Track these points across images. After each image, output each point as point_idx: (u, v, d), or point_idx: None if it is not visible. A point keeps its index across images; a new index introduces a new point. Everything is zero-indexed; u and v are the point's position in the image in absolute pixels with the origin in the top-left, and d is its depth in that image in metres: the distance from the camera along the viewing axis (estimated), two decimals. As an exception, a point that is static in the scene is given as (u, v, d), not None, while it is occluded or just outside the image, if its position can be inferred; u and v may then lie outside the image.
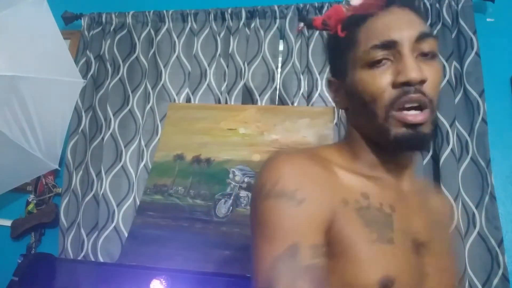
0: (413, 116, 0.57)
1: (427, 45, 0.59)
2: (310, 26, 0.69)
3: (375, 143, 0.63)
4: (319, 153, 0.63)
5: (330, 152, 0.65)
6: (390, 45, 0.58)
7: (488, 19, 1.69)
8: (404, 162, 0.64)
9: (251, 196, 0.59)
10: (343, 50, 0.63)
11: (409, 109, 0.57)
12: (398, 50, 0.58)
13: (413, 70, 0.56)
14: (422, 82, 0.57)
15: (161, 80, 1.83)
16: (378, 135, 0.61)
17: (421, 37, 0.58)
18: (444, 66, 1.54)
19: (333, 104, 1.65)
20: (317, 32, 1.71)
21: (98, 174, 1.74)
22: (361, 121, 0.63)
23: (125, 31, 1.92)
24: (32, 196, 1.85)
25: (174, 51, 1.86)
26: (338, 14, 0.64)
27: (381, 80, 0.58)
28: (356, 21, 0.61)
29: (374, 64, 0.59)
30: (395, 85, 0.57)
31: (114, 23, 1.93)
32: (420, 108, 0.57)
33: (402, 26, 0.58)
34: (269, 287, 0.49)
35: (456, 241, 1.36)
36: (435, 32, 1.60)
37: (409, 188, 0.65)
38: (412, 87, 0.56)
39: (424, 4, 1.64)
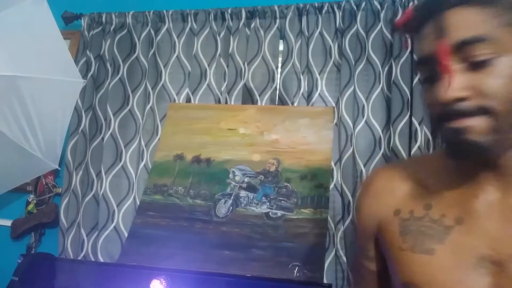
0: (457, 122, 0.53)
1: (474, 51, 0.51)
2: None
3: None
4: (409, 165, 0.69)
5: (421, 163, 0.67)
6: (428, 62, 0.54)
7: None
8: (503, 169, 0.57)
9: None
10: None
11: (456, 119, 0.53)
12: (435, 67, 0.53)
13: (440, 91, 0.52)
14: (460, 99, 0.52)
15: (161, 80, 1.83)
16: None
17: (460, 46, 0.51)
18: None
19: (333, 104, 1.65)
20: (317, 32, 1.72)
21: (98, 174, 1.74)
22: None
23: (125, 31, 1.92)
24: (32, 196, 1.86)
25: (174, 51, 1.86)
26: (406, 18, 0.58)
27: (429, 96, 0.56)
28: (410, 29, 0.57)
29: (425, 80, 0.56)
30: (439, 104, 0.54)
31: (114, 23, 1.94)
32: (469, 115, 0.52)
33: (437, 35, 0.52)
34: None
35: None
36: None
37: (489, 203, 0.57)
38: (452, 105, 0.52)
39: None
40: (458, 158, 0.57)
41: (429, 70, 0.54)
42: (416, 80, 1.54)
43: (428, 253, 0.56)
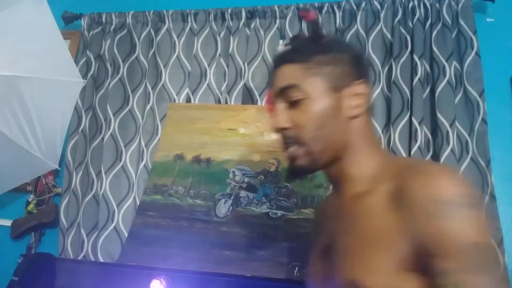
0: (288, 151, 0.72)
1: (291, 94, 0.71)
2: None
3: None
4: None
5: None
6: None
7: (488, 19, 1.69)
8: (333, 178, 0.76)
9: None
10: None
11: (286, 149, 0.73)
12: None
13: (273, 122, 0.74)
14: (284, 129, 0.72)
15: (161, 80, 1.83)
16: None
17: (282, 91, 0.72)
18: (444, 66, 1.54)
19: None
20: (317, 32, 1.72)
21: (98, 174, 1.74)
22: None
23: (125, 31, 1.92)
24: (32, 196, 1.85)
25: (174, 51, 1.86)
26: None
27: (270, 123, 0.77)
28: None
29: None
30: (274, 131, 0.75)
31: (114, 23, 1.94)
32: (292, 144, 0.72)
33: (269, 85, 0.75)
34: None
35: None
36: (434, 32, 1.60)
37: (341, 203, 0.74)
38: (281, 133, 0.73)
39: (424, 4, 1.64)
40: (291, 179, 0.81)
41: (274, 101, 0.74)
42: (416, 80, 1.54)
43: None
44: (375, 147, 0.74)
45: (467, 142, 1.49)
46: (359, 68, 0.73)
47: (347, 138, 0.71)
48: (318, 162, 0.71)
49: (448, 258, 0.54)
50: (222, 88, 1.76)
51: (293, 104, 0.71)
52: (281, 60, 0.74)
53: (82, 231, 1.70)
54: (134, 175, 1.72)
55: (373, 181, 0.68)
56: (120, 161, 1.74)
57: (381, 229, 0.61)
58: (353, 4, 1.71)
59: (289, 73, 0.71)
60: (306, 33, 0.82)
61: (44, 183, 1.86)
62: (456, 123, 1.49)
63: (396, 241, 0.59)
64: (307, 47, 0.73)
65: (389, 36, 1.65)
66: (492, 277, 0.53)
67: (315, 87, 0.70)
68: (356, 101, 0.71)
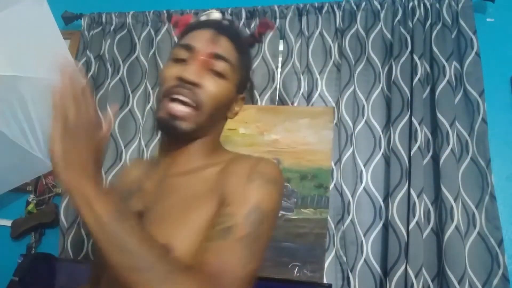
0: (174, 106, 0.69)
1: (219, 65, 0.72)
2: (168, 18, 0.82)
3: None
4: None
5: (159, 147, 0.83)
6: (190, 49, 0.72)
7: (488, 19, 1.69)
8: (175, 148, 0.76)
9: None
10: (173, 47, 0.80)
11: (174, 101, 0.69)
12: (193, 55, 0.71)
13: (186, 69, 0.70)
14: (194, 84, 0.69)
15: (161, 80, 1.83)
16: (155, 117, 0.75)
17: (215, 56, 0.72)
18: (444, 66, 1.54)
19: (333, 104, 1.65)
20: (317, 32, 1.72)
21: (98, 174, 1.74)
22: None
23: (125, 31, 1.92)
24: (32, 196, 1.86)
25: (174, 51, 1.86)
26: (183, 19, 0.83)
27: (169, 72, 0.72)
28: (187, 28, 0.77)
29: (175, 60, 0.73)
30: (176, 78, 0.70)
31: (114, 23, 1.94)
32: (185, 104, 0.69)
33: (204, 41, 0.72)
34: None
35: (456, 241, 1.36)
36: (434, 32, 1.60)
37: (160, 171, 0.76)
38: (186, 84, 0.69)
39: (424, 4, 1.64)
40: (166, 133, 0.75)
41: (185, 54, 0.72)
42: (416, 80, 1.54)
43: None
44: (219, 143, 0.82)
45: (467, 142, 1.49)
46: (245, 86, 0.84)
47: (215, 127, 0.78)
48: (195, 130, 0.72)
49: (233, 205, 0.64)
50: (222, 88, 1.76)
51: (214, 73, 0.72)
52: (222, 27, 0.75)
53: (82, 231, 1.70)
54: (134, 175, 1.72)
55: (205, 163, 0.75)
56: (120, 161, 1.74)
57: (202, 193, 0.69)
58: (353, 4, 1.71)
59: (227, 47, 0.74)
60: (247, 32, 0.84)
61: (44, 183, 1.86)
62: (456, 123, 1.49)
63: (210, 199, 0.67)
64: (244, 40, 0.80)
65: (389, 36, 1.65)
66: (253, 236, 0.62)
67: (233, 74, 0.74)
68: (237, 109, 0.82)
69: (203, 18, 0.80)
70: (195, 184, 0.71)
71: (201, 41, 0.72)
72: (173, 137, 0.74)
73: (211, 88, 0.71)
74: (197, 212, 0.66)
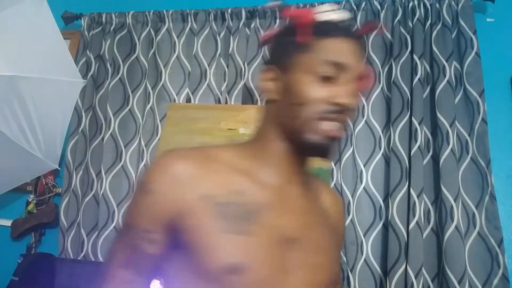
0: (330, 125, 0.65)
1: (364, 82, 0.68)
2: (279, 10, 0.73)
3: (289, 142, 0.68)
4: (210, 152, 0.69)
5: (224, 151, 0.70)
6: (341, 67, 0.64)
7: (488, 19, 1.69)
8: (297, 169, 0.71)
9: None
10: (295, 49, 0.67)
11: (329, 121, 0.65)
12: (346, 75, 0.64)
13: (341, 93, 0.64)
14: (344, 106, 0.64)
15: (161, 80, 1.83)
16: (294, 135, 0.67)
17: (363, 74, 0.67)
18: (444, 66, 1.54)
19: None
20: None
21: (98, 174, 1.74)
22: (285, 118, 0.68)
23: (125, 31, 1.92)
24: (32, 196, 1.86)
25: (174, 51, 1.86)
26: (308, 17, 0.67)
27: (317, 92, 0.64)
28: (321, 32, 0.65)
29: (323, 78, 0.64)
30: (329, 102, 0.64)
31: (114, 23, 1.94)
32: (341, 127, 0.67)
33: (353, 57, 0.65)
34: (109, 250, 0.70)
35: (456, 241, 1.36)
36: (434, 32, 1.60)
37: (297, 192, 0.70)
38: (341, 108, 0.64)
39: (424, 4, 1.64)
40: (316, 156, 0.69)
41: (335, 72, 0.64)
42: (416, 80, 1.54)
43: (246, 234, 0.62)
44: None
45: (467, 142, 1.49)
46: None
47: None
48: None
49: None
50: (222, 88, 1.76)
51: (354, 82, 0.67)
52: (357, 35, 0.68)
53: (82, 231, 1.70)
54: (134, 175, 1.72)
55: (306, 177, 0.74)
56: (120, 161, 1.74)
57: (333, 226, 0.76)
58: (353, 4, 1.71)
59: (362, 59, 0.68)
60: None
61: (44, 183, 1.86)
62: (456, 123, 1.49)
63: (336, 235, 0.76)
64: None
65: (389, 36, 1.65)
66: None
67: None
68: None
69: (332, 17, 0.68)
70: (326, 212, 0.76)
71: (350, 57, 0.65)
72: (314, 156, 0.70)
73: (355, 107, 0.70)
74: (335, 242, 0.75)
